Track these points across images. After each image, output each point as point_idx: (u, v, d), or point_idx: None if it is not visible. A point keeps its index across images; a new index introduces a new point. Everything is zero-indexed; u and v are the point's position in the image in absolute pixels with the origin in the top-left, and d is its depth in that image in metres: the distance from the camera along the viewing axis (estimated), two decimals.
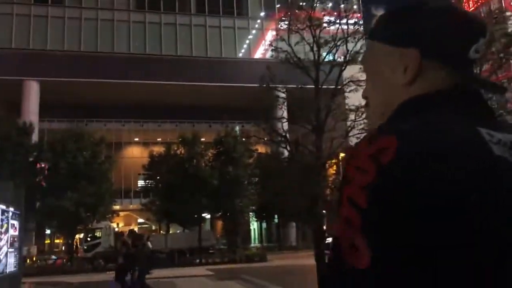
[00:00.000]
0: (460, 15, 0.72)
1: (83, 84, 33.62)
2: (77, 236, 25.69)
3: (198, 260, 23.77)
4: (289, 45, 10.52)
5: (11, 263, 7.63)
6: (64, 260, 23.98)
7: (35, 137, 25.27)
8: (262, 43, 38.45)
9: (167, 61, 35.17)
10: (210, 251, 26.36)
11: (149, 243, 19.38)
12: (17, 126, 22.56)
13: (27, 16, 33.28)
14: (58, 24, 33.91)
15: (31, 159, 22.44)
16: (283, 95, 12.14)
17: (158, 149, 31.96)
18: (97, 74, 33.16)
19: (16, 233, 8.01)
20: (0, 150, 19.31)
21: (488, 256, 0.56)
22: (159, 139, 39.65)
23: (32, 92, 32.48)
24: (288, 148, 10.16)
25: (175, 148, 28.50)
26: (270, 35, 36.65)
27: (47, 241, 36.56)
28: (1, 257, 7.09)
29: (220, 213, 27.56)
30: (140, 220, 41.30)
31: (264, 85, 10.35)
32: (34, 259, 24.52)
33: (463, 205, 0.56)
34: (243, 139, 26.34)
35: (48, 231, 34.09)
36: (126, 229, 41.09)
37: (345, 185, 0.61)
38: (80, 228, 24.49)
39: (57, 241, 37.05)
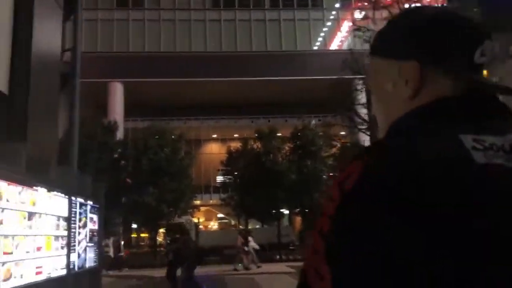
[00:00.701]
0: (459, 20, 0.70)
1: (163, 84, 34.43)
2: (160, 230, 26.19)
3: (277, 257, 23.15)
4: (374, 23, 9.48)
5: (90, 258, 7.37)
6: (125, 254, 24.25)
7: (120, 136, 26.09)
8: (337, 35, 37.13)
9: (243, 57, 34.99)
10: (290, 248, 25.68)
11: (252, 240, 19.09)
12: (102, 126, 23.31)
13: (110, 20, 34.63)
14: (139, 27, 34.95)
15: (115, 155, 23.09)
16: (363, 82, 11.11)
17: (235, 145, 32.05)
18: (176, 74, 33.77)
19: (96, 227, 7.76)
20: (86, 148, 19.94)
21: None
22: (236, 135, 39.85)
23: (117, 93, 33.78)
24: (371, 135, 9.14)
25: (252, 144, 28.27)
26: (346, 25, 35.26)
27: (134, 235, 37.94)
28: (80, 251, 6.82)
29: (298, 209, 26.75)
30: (220, 215, 41.68)
31: (344, 74, 9.45)
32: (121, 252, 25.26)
33: (429, 224, 0.53)
34: (321, 133, 25.40)
35: (134, 226, 35.30)
36: (207, 224, 41.78)
37: (319, 217, 0.60)
38: (162, 223, 24.90)
39: (142, 235, 38.35)
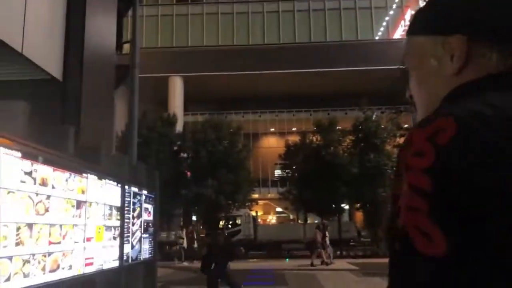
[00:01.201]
0: None
1: (222, 78, 34.49)
2: (220, 222, 26.23)
3: (338, 253, 22.33)
4: None
5: (145, 250, 7.11)
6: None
7: (179, 129, 26.30)
8: (401, 23, 35.37)
9: (301, 48, 34.25)
10: (351, 244, 24.76)
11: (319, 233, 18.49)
12: (162, 119, 23.56)
13: (170, 16, 35.06)
14: (198, 21, 35.14)
15: (175, 148, 23.25)
16: None
17: (293, 138, 31.60)
18: (235, 67, 33.68)
19: (151, 218, 7.49)
20: (147, 140, 20.18)
21: None
22: (294, 129, 39.30)
23: (177, 87, 34.24)
24: None
25: (311, 137, 27.66)
26: (410, 13, 33.47)
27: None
28: (134, 243, 6.56)
29: (360, 204, 25.70)
30: (279, 209, 41.32)
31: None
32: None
33: None
34: (383, 126, 24.25)
35: (194, 217, 35.71)
36: (265, 218, 41.54)
37: (405, 172, 0.57)
38: (221, 215, 24.88)
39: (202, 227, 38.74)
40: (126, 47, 13.07)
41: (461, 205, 0.52)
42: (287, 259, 18.66)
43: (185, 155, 23.71)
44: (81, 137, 6.03)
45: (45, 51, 6.14)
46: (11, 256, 3.44)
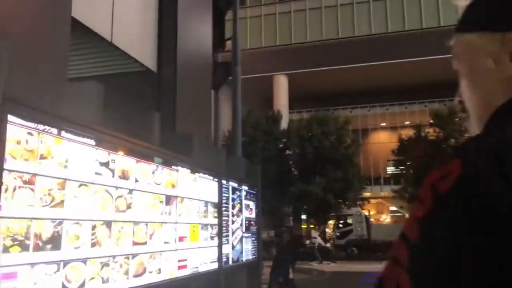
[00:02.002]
0: None
1: (327, 73, 33.44)
2: (330, 222, 25.15)
3: None
4: None
5: (248, 250, 6.52)
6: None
7: (284, 126, 25.78)
8: None
9: (412, 36, 31.78)
10: None
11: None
12: (267, 116, 23.26)
13: (273, 14, 34.82)
14: (301, 17, 34.42)
15: (280, 145, 22.77)
16: None
17: (406, 133, 29.47)
18: (340, 61, 32.41)
19: (253, 215, 6.90)
20: (252, 139, 19.95)
21: None
22: (407, 122, 36.77)
23: (281, 85, 33.89)
24: None
25: (427, 129, 25.46)
26: None
27: (304, 226, 37.69)
28: (235, 243, 5.99)
29: None
30: (393, 208, 38.96)
31: None
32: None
33: None
34: None
35: (304, 216, 35.00)
36: (379, 217, 39.45)
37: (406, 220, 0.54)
38: (332, 214, 23.82)
39: (312, 226, 37.85)
40: (230, 46, 12.94)
41: (445, 263, 0.48)
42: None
43: (291, 152, 23.10)
44: (176, 128, 5.61)
45: (138, 43, 5.86)
46: (86, 259, 2.98)
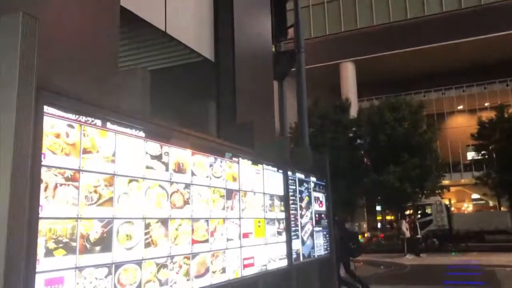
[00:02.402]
0: None
1: (396, 57, 31.88)
2: (407, 212, 23.97)
3: None
4: None
5: (320, 245, 6.10)
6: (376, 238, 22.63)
7: (354, 114, 24.85)
8: None
9: (487, 10, 29.34)
10: None
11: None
12: (335, 105, 22.54)
13: (336, 0, 33.74)
14: (365, 1, 33.04)
15: (350, 135, 21.95)
16: None
17: (487, 115, 27.34)
18: (410, 43, 30.75)
19: (323, 208, 6.46)
20: (321, 129, 19.38)
21: None
22: (486, 104, 34.21)
23: (349, 73, 32.82)
24: None
25: (510, 110, 23.44)
26: None
27: (379, 217, 36.31)
28: (305, 237, 5.60)
29: None
30: (475, 196, 36.51)
31: None
32: (365, 235, 24.17)
33: None
34: None
35: (378, 207, 33.72)
36: (460, 206, 37.08)
37: None
38: (409, 205, 22.64)
39: (388, 217, 36.37)
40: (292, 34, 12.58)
41: None
42: (454, 253, 15.84)
43: (362, 141, 22.19)
44: (236, 119, 5.32)
45: (194, 32, 5.63)
46: (140, 260, 2.74)
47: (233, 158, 4.04)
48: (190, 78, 5.45)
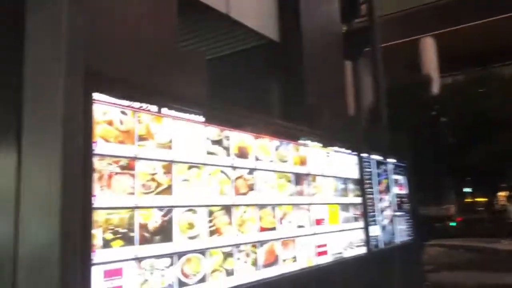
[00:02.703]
0: None
1: (481, 27, 29.33)
2: (500, 193, 22.13)
3: None
4: None
5: (401, 231, 5.69)
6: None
7: (436, 92, 23.29)
8: None
9: None
10: None
11: None
12: (414, 82, 21.21)
13: None
14: None
15: (433, 113, 20.60)
16: None
17: None
18: (496, 10, 28.10)
19: (404, 191, 6.01)
20: (399, 108, 18.35)
21: None
22: None
23: (428, 48, 30.80)
24: None
25: None
26: None
27: (468, 200, 34.02)
28: (385, 223, 5.23)
29: None
30: None
31: None
32: (454, 218, 22.72)
33: None
34: None
35: (468, 189, 31.55)
36: None
37: None
38: (503, 185, 20.88)
39: (478, 199, 33.95)
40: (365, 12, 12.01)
41: None
42: None
43: (446, 119, 20.74)
44: (305, 100, 5.07)
45: (257, 14, 5.42)
46: (204, 249, 2.62)
47: (301, 141, 3.81)
48: (254, 62, 5.27)
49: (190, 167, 2.62)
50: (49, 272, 1.83)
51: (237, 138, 3.05)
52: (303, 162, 3.78)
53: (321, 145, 4.11)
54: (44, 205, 1.90)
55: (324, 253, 3.87)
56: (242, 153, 3.07)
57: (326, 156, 4.17)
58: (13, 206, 1.96)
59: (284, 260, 3.32)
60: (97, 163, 2.08)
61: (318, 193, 3.92)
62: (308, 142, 3.90)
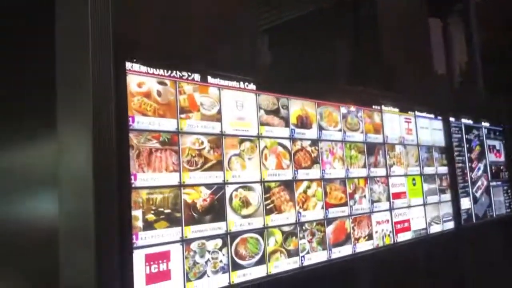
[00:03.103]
0: None
1: None
2: None
3: None
4: None
5: (499, 203, 5.01)
6: None
7: None
8: None
9: None
10: None
11: None
12: None
13: None
14: None
15: None
16: None
17: None
18: None
19: (501, 158, 5.28)
20: (498, 68, 16.56)
21: None
22: None
23: None
24: None
25: None
26: None
27: None
28: (478, 194, 4.61)
29: None
30: None
31: None
32: None
33: None
34: None
35: None
36: None
37: None
38: None
39: None
40: None
41: None
42: None
43: None
44: (381, 60, 4.55)
45: None
46: (261, 229, 2.39)
47: (375, 106, 3.38)
48: (323, 24, 4.83)
49: (241, 141, 2.37)
50: (86, 254, 1.71)
51: (297, 106, 2.73)
52: (377, 130, 3.36)
53: (400, 109, 3.64)
54: (79, 185, 1.77)
55: (405, 229, 3.46)
56: (303, 123, 2.76)
57: (405, 122, 3.69)
58: (54, 187, 1.86)
59: (356, 239, 2.98)
60: (134, 138, 1.91)
61: (397, 164, 3.49)
62: (385, 107, 3.46)
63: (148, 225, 1.90)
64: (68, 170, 1.82)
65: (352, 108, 3.16)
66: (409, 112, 3.76)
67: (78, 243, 1.75)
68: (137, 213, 1.87)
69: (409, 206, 3.54)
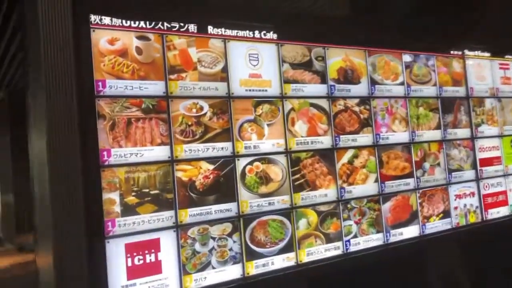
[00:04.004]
0: None
1: None
2: None
3: None
4: None
5: None
6: None
7: None
8: None
9: None
10: None
11: None
12: None
13: None
14: None
15: None
16: None
17: None
18: None
19: None
20: None
21: None
22: None
23: None
24: None
25: None
26: None
27: None
28: None
29: None
30: None
31: None
32: None
33: None
34: None
35: None
36: None
37: None
38: None
39: None
40: None
41: None
42: None
43: None
44: None
45: None
46: (289, 209, 1.91)
47: (455, 52, 2.62)
48: None
49: (257, 104, 1.89)
50: (50, 242, 1.42)
51: (338, 56, 2.14)
52: (458, 81, 2.60)
53: (492, 53, 2.80)
54: (40, 166, 1.48)
55: (499, 204, 2.69)
56: (347, 77, 2.17)
57: (502, 69, 2.85)
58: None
59: (426, 217, 2.35)
60: (106, 107, 1.55)
61: (487, 122, 2.70)
62: (469, 51, 2.67)
63: (129, 210, 1.55)
64: (35, 155, 1.54)
65: (421, 55, 2.46)
66: (505, 57, 2.89)
67: (39, 232, 1.48)
68: (112, 195, 1.53)
69: (505, 175, 2.74)
